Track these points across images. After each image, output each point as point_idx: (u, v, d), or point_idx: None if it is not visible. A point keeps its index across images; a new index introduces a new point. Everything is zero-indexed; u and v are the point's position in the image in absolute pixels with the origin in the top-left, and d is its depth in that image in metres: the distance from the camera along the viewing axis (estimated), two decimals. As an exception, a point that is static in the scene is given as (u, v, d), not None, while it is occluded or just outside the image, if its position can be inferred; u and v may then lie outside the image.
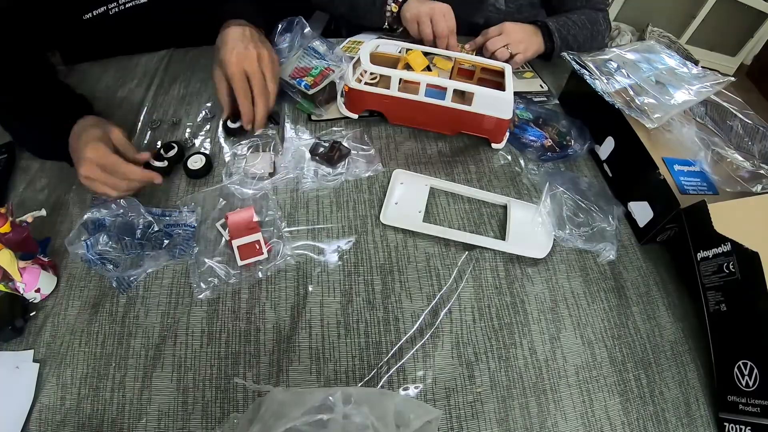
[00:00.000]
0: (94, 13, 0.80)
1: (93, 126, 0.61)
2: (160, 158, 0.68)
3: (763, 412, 0.48)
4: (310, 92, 0.75)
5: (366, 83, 0.71)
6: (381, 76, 0.71)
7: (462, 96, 0.71)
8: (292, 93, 0.76)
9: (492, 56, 0.87)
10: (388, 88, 0.70)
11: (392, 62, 0.77)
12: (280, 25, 0.80)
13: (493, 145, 0.75)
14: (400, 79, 0.70)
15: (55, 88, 0.73)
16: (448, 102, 0.70)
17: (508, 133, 0.74)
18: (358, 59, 0.71)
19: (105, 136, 0.60)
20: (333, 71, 0.78)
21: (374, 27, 0.95)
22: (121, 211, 0.59)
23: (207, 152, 0.70)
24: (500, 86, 0.72)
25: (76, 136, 0.61)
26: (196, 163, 0.68)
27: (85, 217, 0.58)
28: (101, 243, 0.57)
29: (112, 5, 0.80)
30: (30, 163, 0.72)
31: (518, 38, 0.88)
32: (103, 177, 0.58)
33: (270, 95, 0.69)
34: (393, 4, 0.89)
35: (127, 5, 0.82)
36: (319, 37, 0.83)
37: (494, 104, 0.69)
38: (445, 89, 0.69)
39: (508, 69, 0.73)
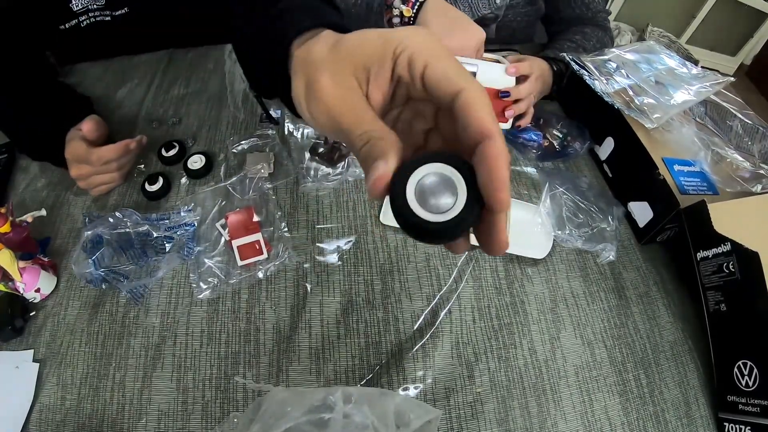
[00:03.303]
0: (67, 26, 0.80)
1: (76, 128, 0.64)
2: (161, 157, 0.70)
3: (762, 412, 0.48)
4: None
5: None
6: None
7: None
8: None
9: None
10: None
11: None
12: None
13: (501, 125, 0.72)
14: None
15: (54, 89, 0.73)
16: None
17: (512, 112, 0.70)
18: None
19: (77, 131, 0.63)
20: None
21: None
22: (116, 222, 0.59)
23: (207, 152, 0.70)
24: None
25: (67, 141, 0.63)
26: (195, 163, 0.68)
27: (84, 236, 0.57)
28: (106, 258, 0.57)
29: (83, 18, 0.80)
30: (30, 163, 0.72)
31: (539, 84, 0.75)
32: (89, 170, 0.61)
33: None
34: (403, 10, 0.67)
35: (96, 18, 0.81)
36: None
37: (497, 76, 0.68)
38: None
39: (503, 60, 0.72)
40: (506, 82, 0.68)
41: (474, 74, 0.67)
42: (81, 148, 0.61)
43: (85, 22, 0.80)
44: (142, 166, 0.70)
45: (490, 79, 0.68)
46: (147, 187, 0.65)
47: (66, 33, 0.79)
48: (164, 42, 0.89)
